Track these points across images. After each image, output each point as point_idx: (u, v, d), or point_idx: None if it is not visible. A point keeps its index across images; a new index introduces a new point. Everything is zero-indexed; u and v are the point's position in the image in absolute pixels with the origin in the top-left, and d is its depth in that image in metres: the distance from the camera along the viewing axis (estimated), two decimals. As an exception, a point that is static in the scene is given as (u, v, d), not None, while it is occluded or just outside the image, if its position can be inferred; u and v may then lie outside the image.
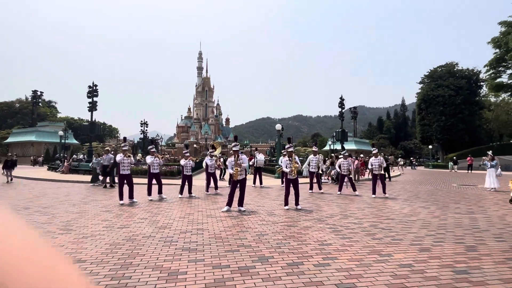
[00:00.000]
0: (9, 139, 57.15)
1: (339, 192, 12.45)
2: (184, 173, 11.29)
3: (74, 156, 33.03)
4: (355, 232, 6.06)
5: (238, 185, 8.54)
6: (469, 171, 32.23)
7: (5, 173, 16.90)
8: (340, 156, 20.46)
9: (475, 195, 12.35)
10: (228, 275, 3.89)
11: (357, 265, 4.21)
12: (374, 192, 11.72)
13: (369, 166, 12.81)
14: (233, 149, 8.78)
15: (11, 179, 16.83)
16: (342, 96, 27.58)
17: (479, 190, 14.25)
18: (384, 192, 11.63)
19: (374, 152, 12.76)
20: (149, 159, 10.82)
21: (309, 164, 13.18)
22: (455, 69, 59.99)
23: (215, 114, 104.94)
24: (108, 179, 14.66)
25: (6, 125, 69.11)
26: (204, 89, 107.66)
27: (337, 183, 16.73)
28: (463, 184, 17.97)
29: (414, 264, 4.25)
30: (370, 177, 21.42)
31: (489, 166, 14.63)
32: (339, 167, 12.89)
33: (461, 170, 35.26)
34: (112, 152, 16.41)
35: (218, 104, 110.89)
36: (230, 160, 8.66)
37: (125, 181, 9.82)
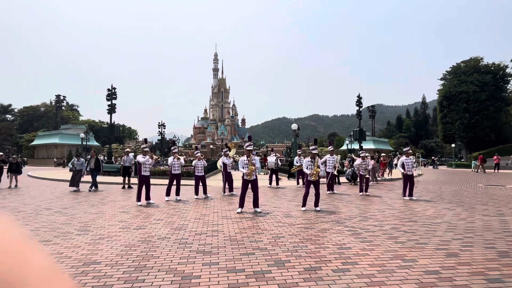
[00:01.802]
0: (35, 142, 59.63)
1: (361, 193, 12.07)
2: (196, 173, 11.29)
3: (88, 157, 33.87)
4: (376, 235, 5.80)
5: (250, 186, 8.41)
6: (496, 171, 30.76)
7: (10, 177, 14.98)
8: (357, 156, 20.05)
9: (503, 196, 11.68)
10: (242, 279, 3.76)
11: (379, 271, 3.98)
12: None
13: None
14: (247, 148, 8.69)
15: (16, 185, 14.91)
16: (359, 94, 27.00)
17: (508, 191, 13.49)
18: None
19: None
20: (170, 160, 10.97)
21: (325, 164, 12.80)
22: (480, 64, 57.43)
23: (231, 114, 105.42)
24: (126, 180, 14.86)
25: (32, 128, 72.19)
26: (220, 90, 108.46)
27: (353, 183, 16.33)
28: (490, 184, 17.10)
29: (442, 271, 3.97)
30: (389, 177, 20.90)
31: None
32: (357, 167, 12.60)
33: (487, 170, 33.67)
34: (132, 153, 16.61)
35: (234, 105, 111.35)
36: (242, 159, 8.56)
37: (145, 183, 9.89)
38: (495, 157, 32.20)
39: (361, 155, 12.94)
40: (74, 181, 13.71)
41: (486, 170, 32.72)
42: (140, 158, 9.96)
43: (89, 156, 14.99)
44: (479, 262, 4.33)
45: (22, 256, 0.31)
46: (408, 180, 10.90)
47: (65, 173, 26.00)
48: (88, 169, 14.35)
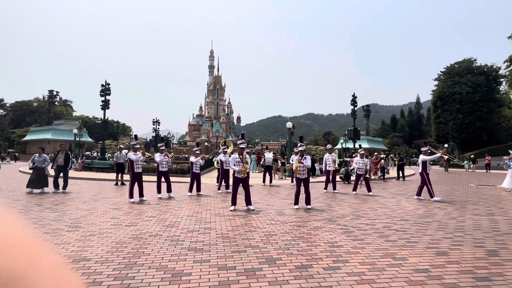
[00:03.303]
0: (27, 137, 58.87)
1: (354, 192, 12.01)
2: (193, 171, 11.26)
3: (87, 153, 33.58)
4: (367, 234, 5.83)
5: (241, 184, 8.40)
6: (487, 171, 31.28)
7: None
8: (355, 155, 20.14)
9: (494, 196, 11.84)
10: (233, 277, 3.75)
11: (370, 269, 4.00)
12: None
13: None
14: (240, 146, 8.67)
15: None
16: (354, 93, 27.06)
17: (498, 191, 13.68)
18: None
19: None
20: (158, 157, 10.79)
21: (325, 163, 12.88)
22: (473, 66, 58.06)
23: (226, 112, 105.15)
24: (119, 177, 14.72)
25: (25, 123, 71.17)
26: (216, 88, 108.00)
27: (347, 182, 16.41)
28: (481, 184, 17.32)
29: (431, 269, 4.01)
30: (383, 176, 21.02)
31: (511, 166, 14.02)
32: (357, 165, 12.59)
33: (479, 170, 34.16)
34: (126, 150, 16.37)
35: (229, 103, 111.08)
36: (234, 156, 8.52)
37: (137, 180, 9.83)
38: (487, 157, 32.84)
39: (360, 152, 12.83)
40: (34, 182, 11.28)
41: (477, 170, 33.26)
42: (132, 155, 9.88)
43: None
44: (468, 260, 4.38)
45: (34, 255, 0.31)
46: (428, 180, 10.56)
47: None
48: (54, 167, 12.10)
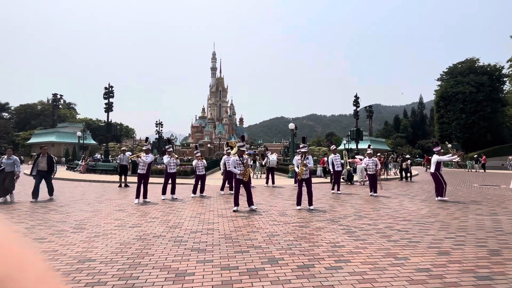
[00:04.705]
0: (31, 140, 59.42)
1: (375, 194, 11.56)
2: (197, 173, 11.34)
3: (96, 156, 33.78)
4: (370, 234, 5.85)
5: (242, 185, 8.46)
6: (484, 170, 31.65)
7: None
8: (357, 156, 20.15)
9: (497, 196, 11.78)
10: (236, 277, 3.79)
11: (371, 269, 4.03)
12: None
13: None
14: (240, 148, 8.74)
15: None
16: (357, 94, 27.07)
17: (502, 191, 13.61)
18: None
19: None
20: (165, 159, 10.99)
21: (333, 164, 12.78)
22: (476, 65, 57.87)
23: (229, 114, 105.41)
24: (123, 179, 14.84)
25: (29, 126, 71.83)
26: (218, 89, 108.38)
27: (350, 183, 16.38)
28: (484, 184, 17.24)
29: (432, 269, 4.03)
30: (384, 176, 20.98)
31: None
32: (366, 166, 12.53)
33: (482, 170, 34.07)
34: (129, 152, 16.52)
35: (232, 104, 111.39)
36: (235, 159, 8.57)
37: (142, 181, 9.95)
38: (483, 157, 33.49)
39: (367, 152, 12.66)
40: (2, 188, 9.55)
41: (480, 170, 33.30)
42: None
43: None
44: (470, 260, 4.39)
45: (20, 260, 0.32)
46: (443, 180, 10.29)
47: (62, 172, 25.89)
48: (34, 173, 10.44)
